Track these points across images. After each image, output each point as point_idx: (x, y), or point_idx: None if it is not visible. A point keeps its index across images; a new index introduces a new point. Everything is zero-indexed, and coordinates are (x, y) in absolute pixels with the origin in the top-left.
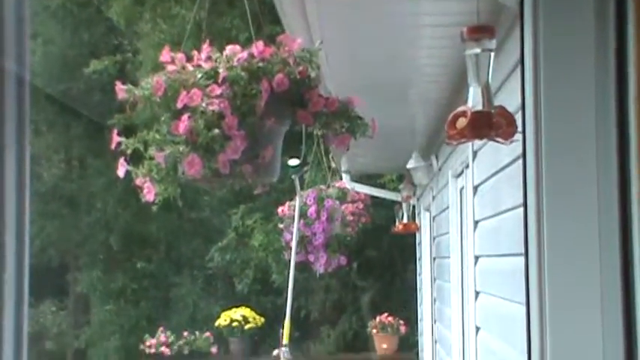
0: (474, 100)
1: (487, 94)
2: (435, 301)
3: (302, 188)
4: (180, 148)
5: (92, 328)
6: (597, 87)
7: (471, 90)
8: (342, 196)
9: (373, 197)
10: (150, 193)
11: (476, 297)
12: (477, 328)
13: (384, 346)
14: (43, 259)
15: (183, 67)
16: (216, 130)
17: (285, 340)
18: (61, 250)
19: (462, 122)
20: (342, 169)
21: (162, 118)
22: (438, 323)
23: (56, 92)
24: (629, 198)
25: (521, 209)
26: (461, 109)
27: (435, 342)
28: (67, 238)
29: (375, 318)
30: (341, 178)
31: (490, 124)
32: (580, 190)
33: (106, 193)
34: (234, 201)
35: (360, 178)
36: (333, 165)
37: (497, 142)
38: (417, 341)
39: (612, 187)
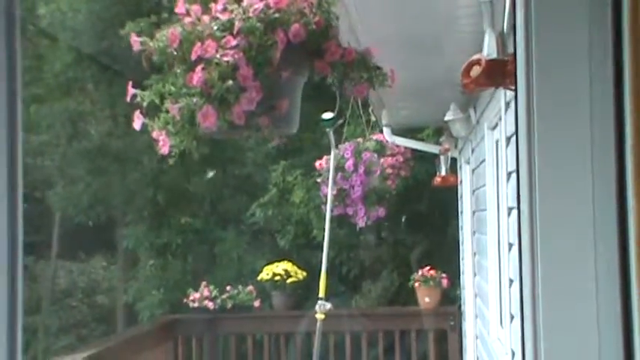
0: (488, 48)
1: (502, 42)
2: (474, 254)
3: (340, 142)
4: (195, 100)
5: (139, 283)
6: (592, 33)
7: (486, 37)
8: (381, 148)
9: (414, 151)
10: (165, 145)
11: (509, 249)
12: (511, 281)
13: (427, 299)
14: (91, 215)
15: (199, 19)
16: (231, 82)
17: (321, 294)
18: (109, 206)
19: (476, 70)
20: (383, 122)
21: (178, 71)
22: (478, 276)
23: (96, 51)
24: (624, 140)
25: None
26: (475, 57)
27: (475, 295)
28: (114, 194)
29: (417, 272)
30: (381, 131)
31: (504, 72)
32: (574, 135)
33: (152, 150)
34: (277, 157)
35: (401, 132)
36: (372, 118)
37: (512, 90)
38: (459, 295)
39: (609, 131)
